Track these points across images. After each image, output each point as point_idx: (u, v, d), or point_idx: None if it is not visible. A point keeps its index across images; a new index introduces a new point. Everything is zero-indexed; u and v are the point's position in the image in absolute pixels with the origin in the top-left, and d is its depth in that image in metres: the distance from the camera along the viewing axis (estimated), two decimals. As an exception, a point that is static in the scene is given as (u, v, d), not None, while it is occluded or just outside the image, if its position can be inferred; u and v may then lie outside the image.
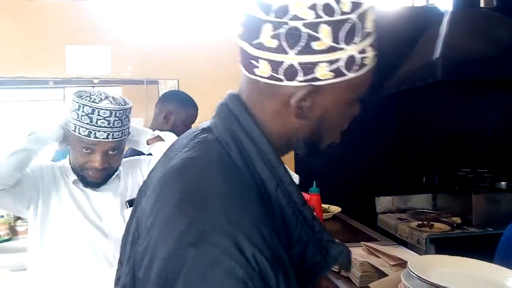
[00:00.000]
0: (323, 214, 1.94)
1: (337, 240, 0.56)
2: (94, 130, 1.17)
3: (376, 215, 2.98)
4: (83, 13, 2.70)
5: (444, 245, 2.46)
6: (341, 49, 0.49)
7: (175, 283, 0.43)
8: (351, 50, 0.50)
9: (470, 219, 2.51)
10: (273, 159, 0.53)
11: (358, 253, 1.37)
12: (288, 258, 0.48)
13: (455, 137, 3.01)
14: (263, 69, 0.52)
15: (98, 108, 1.16)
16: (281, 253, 0.46)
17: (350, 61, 0.50)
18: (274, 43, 0.49)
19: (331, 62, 0.49)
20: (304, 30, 0.48)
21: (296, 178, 0.69)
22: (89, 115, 1.16)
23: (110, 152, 1.21)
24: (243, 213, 0.46)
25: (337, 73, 0.50)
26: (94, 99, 1.17)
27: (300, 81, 0.51)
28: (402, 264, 1.22)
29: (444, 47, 2.42)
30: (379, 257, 1.33)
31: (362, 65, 0.51)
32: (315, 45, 0.49)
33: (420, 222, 2.57)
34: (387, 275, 1.19)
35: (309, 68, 0.50)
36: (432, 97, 2.95)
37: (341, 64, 0.50)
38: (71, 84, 2.67)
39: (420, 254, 2.29)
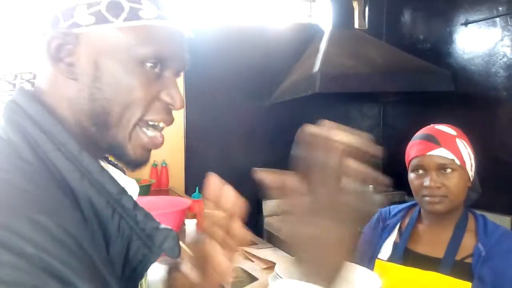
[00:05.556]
0: (207, 220, 1.95)
1: (163, 225, 0.50)
2: None
3: (263, 218, 3.11)
4: None
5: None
6: None
7: None
8: None
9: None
10: (73, 148, 0.46)
11: (234, 258, 1.41)
12: (106, 258, 0.43)
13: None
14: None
15: None
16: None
17: (114, 5, 0.46)
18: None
19: (90, 4, 0.46)
20: None
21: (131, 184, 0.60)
22: None
23: None
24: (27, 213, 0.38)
25: (98, 17, 0.46)
26: None
27: (61, 29, 0.46)
28: (273, 266, 1.29)
29: (323, 62, 2.64)
30: (253, 261, 1.39)
31: (133, 16, 0.47)
32: None
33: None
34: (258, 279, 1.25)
35: (69, 12, 0.46)
36: (312, 107, 3.21)
37: (102, 7, 0.46)
38: None
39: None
